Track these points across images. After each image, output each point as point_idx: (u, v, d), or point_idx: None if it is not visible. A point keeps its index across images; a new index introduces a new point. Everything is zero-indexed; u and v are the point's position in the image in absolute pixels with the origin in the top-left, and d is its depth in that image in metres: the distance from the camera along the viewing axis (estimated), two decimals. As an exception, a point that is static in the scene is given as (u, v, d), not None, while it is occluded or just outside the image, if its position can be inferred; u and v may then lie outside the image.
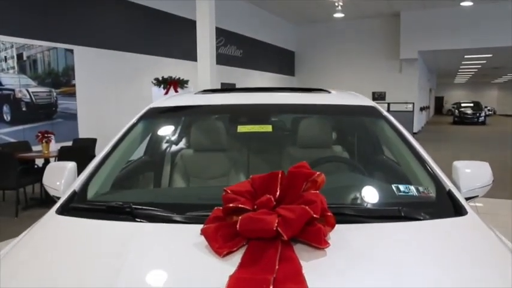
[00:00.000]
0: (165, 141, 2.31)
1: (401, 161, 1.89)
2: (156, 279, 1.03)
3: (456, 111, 24.93)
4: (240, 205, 1.13)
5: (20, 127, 6.83)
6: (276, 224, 1.05)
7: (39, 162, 5.89)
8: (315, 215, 1.09)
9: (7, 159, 5.11)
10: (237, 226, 1.08)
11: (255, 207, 1.14)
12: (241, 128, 2.08)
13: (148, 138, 2.30)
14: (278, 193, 1.16)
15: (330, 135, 2.31)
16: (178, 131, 2.29)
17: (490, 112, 28.38)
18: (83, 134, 7.67)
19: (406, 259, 1.08)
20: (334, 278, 1.00)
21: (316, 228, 1.08)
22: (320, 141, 2.16)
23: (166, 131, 2.29)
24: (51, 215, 1.45)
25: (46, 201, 5.41)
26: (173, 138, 2.28)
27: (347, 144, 2.42)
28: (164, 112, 2.11)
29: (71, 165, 1.82)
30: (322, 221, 1.11)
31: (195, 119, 2.24)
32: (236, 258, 1.05)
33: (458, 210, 1.40)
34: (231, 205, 1.14)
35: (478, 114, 23.66)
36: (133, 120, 2.00)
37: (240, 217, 1.09)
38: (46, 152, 5.71)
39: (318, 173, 1.19)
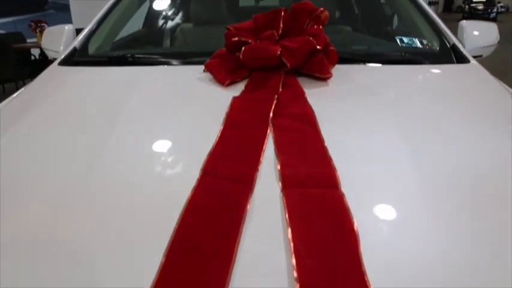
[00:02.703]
0: (163, 14, 2.24)
1: (406, 18, 1.85)
2: (161, 111, 1.05)
3: (466, 6, 23.75)
4: (243, 39, 1.12)
5: (10, 19, 6.57)
6: (279, 52, 1.06)
7: (35, 53, 5.77)
8: (318, 47, 1.09)
9: (3, 50, 4.99)
10: (240, 56, 1.08)
11: (258, 41, 1.14)
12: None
13: (146, 11, 2.22)
14: (281, 28, 1.15)
15: (336, 7, 2.23)
16: (177, 4, 2.20)
17: (503, 9, 27.01)
18: (77, 25, 7.39)
19: (407, 97, 1.10)
20: (336, 102, 1.02)
21: (319, 58, 1.09)
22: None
23: (164, 3, 2.20)
24: (53, 67, 1.45)
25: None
26: (172, 11, 2.20)
27: (351, 12, 2.34)
28: None
29: (69, 27, 1.80)
30: (324, 52, 1.12)
31: None
32: (240, 86, 1.07)
33: (461, 60, 1.40)
34: (234, 39, 1.13)
35: (489, 10, 22.57)
36: None
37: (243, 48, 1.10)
38: (41, 42, 5.56)
39: (321, 8, 1.17)
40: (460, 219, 0.65)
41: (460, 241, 0.61)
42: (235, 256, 0.55)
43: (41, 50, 5.56)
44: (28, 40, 6.03)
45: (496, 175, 0.76)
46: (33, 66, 5.29)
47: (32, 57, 5.79)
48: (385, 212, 0.66)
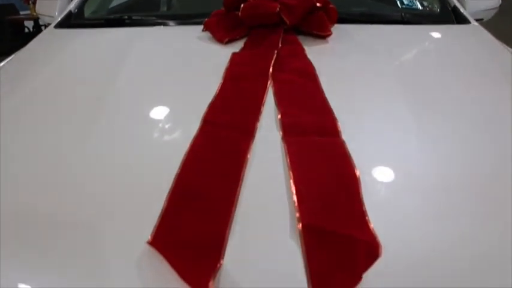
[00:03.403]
0: None
1: None
2: (161, 69, 1.04)
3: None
4: (241, -5, 1.11)
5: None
6: (278, 9, 1.04)
7: (29, 25, 5.67)
8: (317, 4, 1.08)
9: (-4, 21, 4.91)
10: (239, 13, 1.07)
11: None
12: None
13: None
14: None
15: None
16: None
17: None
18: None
19: (407, 53, 1.09)
20: (336, 58, 1.02)
21: (319, 15, 1.07)
22: None
23: None
24: (49, 30, 1.43)
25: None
26: None
27: None
28: None
29: None
30: (324, 10, 1.10)
31: None
32: (239, 44, 1.06)
33: (462, 21, 1.39)
34: (231, -3, 1.12)
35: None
36: None
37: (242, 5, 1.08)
38: (35, 13, 5.46)
39: None
40: (459, 166, 0.66)
41: (461, 187, 0.61)
42: (237, 200, 0.56)
43: (35, 22, 5.48)
44: (21, 12, 5.92)
45: (494, 128, 0.76)
46: (27, 39, 5.19)
47: (26, 30, 5.69)
48: (385, 160, 0.66)
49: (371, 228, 0.53)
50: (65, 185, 0.62)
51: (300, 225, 0.52)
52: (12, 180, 0.64)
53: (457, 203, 0.59)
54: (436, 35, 1.27)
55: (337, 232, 0.52)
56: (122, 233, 0.54)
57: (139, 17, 1.38)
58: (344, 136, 0.68)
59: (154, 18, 1.39)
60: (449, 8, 1.48)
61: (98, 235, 0.54)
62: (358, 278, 0.49)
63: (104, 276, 0.51)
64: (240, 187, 0.58)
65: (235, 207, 0.55)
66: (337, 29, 1.14)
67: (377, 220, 0.54)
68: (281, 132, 0.68)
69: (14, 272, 0.52)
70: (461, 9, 1.48)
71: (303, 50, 0.99)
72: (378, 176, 0.63)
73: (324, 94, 0.79)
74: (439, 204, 0.58)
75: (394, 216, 0.57)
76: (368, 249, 0.51)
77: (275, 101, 0.77)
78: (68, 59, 1.13)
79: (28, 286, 0.51)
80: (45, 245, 0.54)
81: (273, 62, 0.90)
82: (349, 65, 0.96)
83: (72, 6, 1.57)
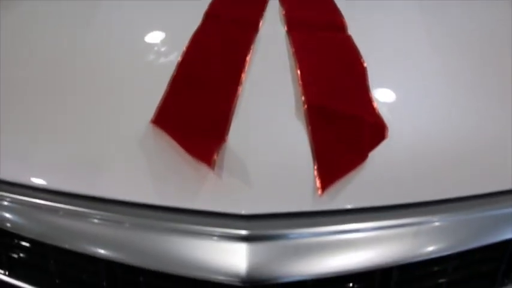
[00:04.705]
0: None
1: None
2: None
3: None
4: None
5: None
6: None
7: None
8: None
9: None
10: None
11: None
12: None
13: None
14: None
15: None
16: None
17: None
18: None
19: None
20: None
21: None
22: None
23: None
24: None
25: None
26: None
27: None
28: None
29: None
30: None
31: None
32: None
33: None
34: None
35: None
36: None
37: None
38: None
39: None
40: (462, 58, 0.64)
41: (462, 75, 0.60)
42: (242, 84, 0.54)
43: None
44: None
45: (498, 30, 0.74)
46: None
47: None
48: (391, 54, 0.64)
49: (377, 111, 0.52)
50: (73, 63, 0.60)
51: (306, 106, 0.51)
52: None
53: (458, 88, 0.58)
54: None
55: (343, 112, 0.51)
56: (125, 112, 0.53)
57: None
58: (350, 32, 0.66)
59: None
60: None
61: (101, 112, 0.54)
62: (364, 157, 0.49)
63: (104, 155, 0.50)
64: (244, 73, 0.56)
65: (240, 89, 0.54)
66: None
67: (383, 107, 0.54)
68: (286, 27, 0.66)
69: (14, 144, 0.52)
70: None
71: None
72: (384, 68, 0.61)
73: None
74: (442, 91, 0.58)
75: (400, 105, 0.56)
76: (374, 130, 0.51)
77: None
78: None
79: (29, 161, 0.51)
80: (48, 121, 0.54)
81: None
82: None
83: None
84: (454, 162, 0.51)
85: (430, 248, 0.48)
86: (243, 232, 0.45)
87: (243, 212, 0.45)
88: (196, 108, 0.51)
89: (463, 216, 0.49)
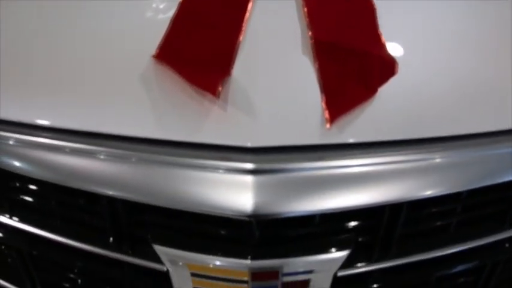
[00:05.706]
0: None
1: None
2: None
3: None
4: None
5: None
6: None
7: None
8: None
9: None
10: None
11: None
12: None
13: None
14: None
15: None
16: None
17: None
18: None
19: None
20: None
21: None
22: None
23: None
24: None
25: None
26: None
27: None
28: None
29: None
30: None
31: None
32: None
33: None
34: None
35: None
36: None
37: None
38: None
39: None
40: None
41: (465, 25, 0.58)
42: (247, 20, 0.52)
43: None
44: None
45: None
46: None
47: None
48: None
49: (386, 47, 0.51)
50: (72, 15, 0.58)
51: (312, 41, 0.50)
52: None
53: (467, 28, 0.57)
54: None
55: (351, 47, 0.50)
56: (127, 48, 0.51)
57: None
58: None
59: None
60: None
61: (103, 48, 0.52)
62: (373, 91, 0.47)
63: (107, 91, 0.49)
64: (250, 8, 0.53)
65: (245, 24, 0.51)
66: None
67: (392, 45, 0.52)
68: None
69: (16, 84, 0.50)
70: None
71: None
72: (394, 10, 0.59)
73: None
74: (451, 30, 0.56)
75: (409, 43, 0.54)
76: (384, 65, 0.49)
77: None
78: None
79: (32, 100, 0.50)
80: (49, 58, 0.52)
81: None
82: None
83: None
84: (466, 99, 0.50)
85: (440, 185, 0.47)
86: (249, 165, 0.43)
87: (249, 144, 0.44)
88: (200, 42, 0.50)
89: (475, 153, 0.48)
